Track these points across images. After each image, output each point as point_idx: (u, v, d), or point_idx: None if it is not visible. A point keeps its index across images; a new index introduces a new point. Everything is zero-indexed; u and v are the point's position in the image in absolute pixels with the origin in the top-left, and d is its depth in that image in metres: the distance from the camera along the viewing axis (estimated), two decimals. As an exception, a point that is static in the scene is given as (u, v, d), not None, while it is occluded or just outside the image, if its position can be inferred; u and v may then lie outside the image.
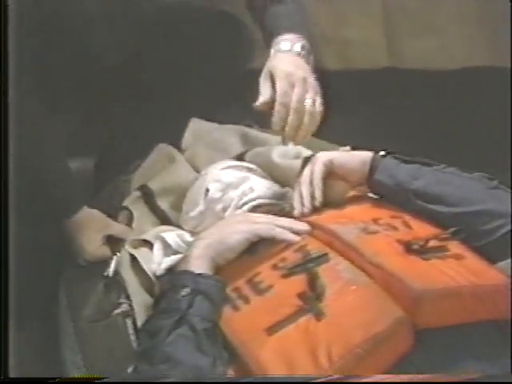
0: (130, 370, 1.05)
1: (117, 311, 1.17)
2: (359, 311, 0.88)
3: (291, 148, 1.31)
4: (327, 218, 1.07)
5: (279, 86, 1.20)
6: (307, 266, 0.97)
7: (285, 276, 0.97)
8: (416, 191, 1.06)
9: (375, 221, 1.04)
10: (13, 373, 0.99)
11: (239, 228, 1.04)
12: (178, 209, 1.32)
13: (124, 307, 1.17)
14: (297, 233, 1.03)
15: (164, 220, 1.32)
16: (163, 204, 1.33)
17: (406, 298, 0.87)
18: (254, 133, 1.41)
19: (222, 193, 1.20)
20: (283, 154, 1.30)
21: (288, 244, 1.02)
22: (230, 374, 0.90)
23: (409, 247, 0.96)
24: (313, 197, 1.12)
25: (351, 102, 1.39)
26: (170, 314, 0.94)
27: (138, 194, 1.32)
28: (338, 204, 1.12)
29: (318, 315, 0.89)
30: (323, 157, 1.16)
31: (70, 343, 1.18)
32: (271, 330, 0.89)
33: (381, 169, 1.09)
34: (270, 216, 1.08)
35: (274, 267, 1.00)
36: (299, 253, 1.00)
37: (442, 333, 0.88)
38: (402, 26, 1.48)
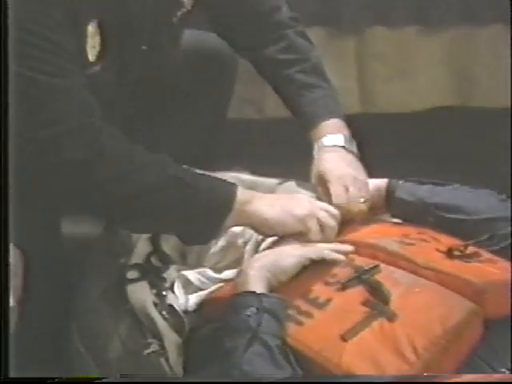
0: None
1: (147, 351, 1.16)
2: (432, 308, 0.94)
3: (292, 187, 1.36)
4: (362, 235, 1.14)
5: (333, 190, 1.21)
6: (362, 277, 1.02)
7: (340, 289, 1.01)
8: (437, 204, 1.15)
9: (406, 236, 1.11)
10: (13, 373, 0.95)
11: (292, 252, 1.08)
12: (177, 250, 1.34)
13: (154, 347, 1.16)
14: (342, 253, 1.09)
15: (167, 261, 1.32)
16: (166, 247, 1.33)
17: (469, 292, 0.95)
18: (248, 177, 1.46)
19: (243, 227, 1.23)
20: (287, 192, 1.34)
21: (335, 263, 1.07)
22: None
23: (450, 254, 1.04)
24: None
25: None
26: (241, 333, 0.95)
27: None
28: (361, 227, 1.19)
29: (391, 317, 0.93)
30: None
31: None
32: (346, 336, 0.92)
33: (400, 189, 1.18)
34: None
35: (326, 283, 1.04)
36: (348, 268, 1.05)
37: (500, 324, 0.96)
38: (373, 72, 1.60)
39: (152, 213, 1.13)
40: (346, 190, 1.21)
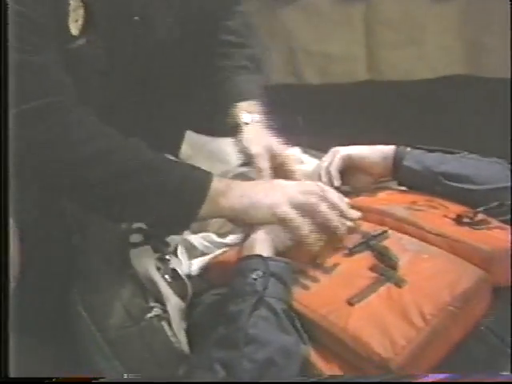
0: (181, 371, 1.06)
1: (149, 315, 1.15)
2: (441, 274, 0.92)
3: (296, 154, 1.35)
4: (370, 201, 1.13)
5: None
6: (369, 243, 1.01)
7: (347, 255, 1.01)
8: (444, 173, 1.13)
9: (414, 203, 1.10)
10: (13, 373, 0.95)
11: None
12: None
13: (156, 311, 1.15)
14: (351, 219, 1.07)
15: None
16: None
17: (476, 259, 0.94)
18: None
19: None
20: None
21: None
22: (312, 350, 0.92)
23: (459, 220, 1.03)
24: (331, 184, 1.19)
25: (332, 116, 1.45)
26: (246, 297, 0.93)
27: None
28: (368, 194, 1.18)
29: (399, 283, 0.92)
30: (342, 151, 1.22)
31: (103, 353, 1.14)
32: (352, 300, 0.91)
33: (408, 157, 1.16)
34: None
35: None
36: (356, 233, 1.04)
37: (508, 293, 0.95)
38: (382, 39, 1.59)
39: (119, 201, 1.07)
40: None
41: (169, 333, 1.12)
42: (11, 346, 0.95)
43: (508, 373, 0.87)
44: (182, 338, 1.10)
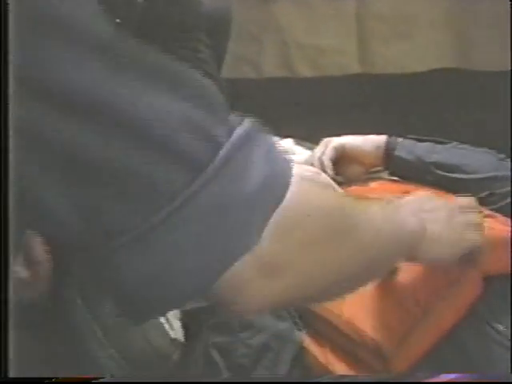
0: (175, 356, 1.07)
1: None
2: (432, 260, 0.94)
3: (288, 145, 1.36)
4: (362, 190, 1.14)
5: None
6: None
7: (340, 242, 1.02)
8: (436, 163, 1.15)
9: (406, 192, 1.11)
10: (13, 373, 0.96)
11: None
12: None
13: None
14: None
15: None
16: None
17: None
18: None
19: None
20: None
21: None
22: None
23: (450, 209, 1.04)
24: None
25: (324, 109, 1.46)
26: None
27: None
28: (360, 184, 1.19)
29: (392, 272, 0.94)
30: (335, 141, 1.24)
31: (98, 341, 1.14)
32: (346, 289, 0.93)
33: (399, 147, 1.18)
34: None
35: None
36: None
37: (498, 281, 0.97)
38: (373, 32, 1.60)
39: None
40: None
41: (163, 320, 1.13)
42: (11, 345, 0.95)
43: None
44: (177, 325, 1.11)
